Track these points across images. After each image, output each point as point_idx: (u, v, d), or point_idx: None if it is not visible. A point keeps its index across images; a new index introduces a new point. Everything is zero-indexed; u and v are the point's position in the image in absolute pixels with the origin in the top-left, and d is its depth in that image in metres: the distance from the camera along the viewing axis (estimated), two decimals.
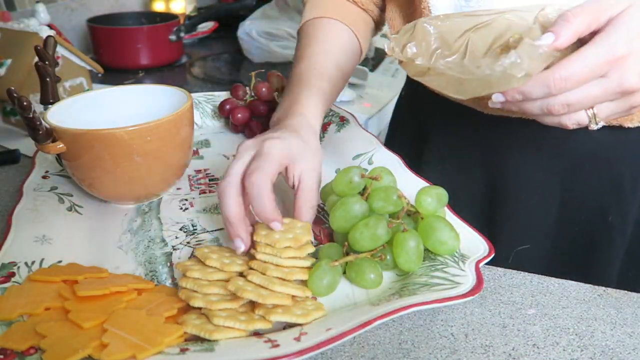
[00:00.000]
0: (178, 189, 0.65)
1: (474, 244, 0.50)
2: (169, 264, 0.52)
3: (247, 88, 0.81)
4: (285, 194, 0.61)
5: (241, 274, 0.46)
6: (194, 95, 0.76)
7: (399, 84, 0.99)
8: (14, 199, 0.61)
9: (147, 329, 0.40)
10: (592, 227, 0.64)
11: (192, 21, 1.44)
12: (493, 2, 0.57)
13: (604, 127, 0.46)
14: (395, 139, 0.84)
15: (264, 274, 0.45)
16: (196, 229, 0.57)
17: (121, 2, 1.55)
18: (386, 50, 0.49)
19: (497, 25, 0.45)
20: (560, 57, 0.42)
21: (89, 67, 0.91)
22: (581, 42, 0.42)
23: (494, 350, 0.43)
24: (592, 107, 0.44)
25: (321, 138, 0.74)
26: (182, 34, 1.36)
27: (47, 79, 0.62)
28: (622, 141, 0.60)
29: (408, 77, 0.83)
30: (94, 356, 0.38)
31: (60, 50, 0.84)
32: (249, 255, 0.49)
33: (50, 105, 0.61)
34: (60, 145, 0.55)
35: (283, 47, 1.34)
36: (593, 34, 0.42)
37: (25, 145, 0.78)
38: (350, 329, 0.39)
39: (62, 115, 0.58)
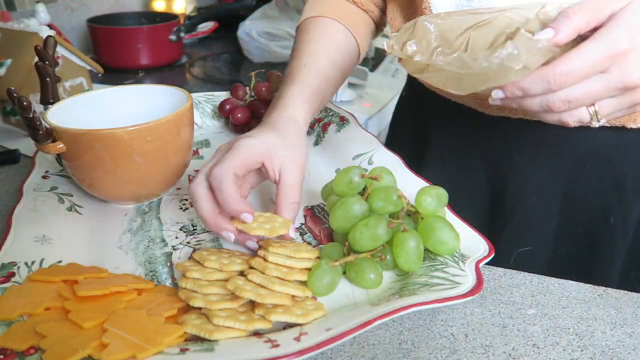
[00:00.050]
0: (178, 189, 0.65)
1: (474, 244, 0.50)
2: (169, 264, 0.52)
3: (247, 88, 0.82)
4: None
5: (241, 274, 0.46)
6: (194, 95, 0.76)
7: (399, 84, 0.99)
8: (14, 199, 0.61)
9: (147, 329, 0.40)
10: (594, 227, 0.63)
11: (192, 21, 1.44)
12: (494, 1, 0.57)
13: (605, 127, 0.46)
14: (395, 139, 0.84)
15: (263, 273, 0.45)
16: (196, 229, 0.57)
17: (121, 2, 1.55)
18: (386, 48, 0.49)
19: (498, 23, 0.44)
20: (560, 54, 0.42)
21: (89, 67, 0.91)
22: (582, 39, 0.42)
23: (494, 350, 0.43)
24: (593, 104, 0.44)
25: (321, 138, 0.74)
26: (182, 34, 1.36)
27: (47, 79, 0.62)
28: (624, 141, 0.60)
29: (408, 77, 0.83)
30: (94, 356, 0.38)
31: (60, 50, 0.84)
32: (251, 253, 0.49)
33: (50, 105, 0.61)
34: (60, 145, 0.55)
35: (283, 47, 1.34)
36: (593, 31, 0.42)
37: (25, 145, 0.78)
38: (350, 329, 0.39)
39: (62, 115, 0.58)
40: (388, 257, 0.49)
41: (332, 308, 0.45)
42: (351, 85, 1.20)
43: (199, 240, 0.55)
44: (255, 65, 1.36)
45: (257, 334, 0.42)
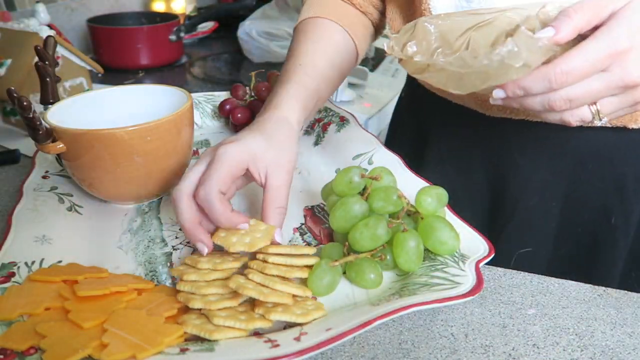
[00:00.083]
0: None
1: (474, 244, 0.50)
2: (169, 264, 0.52)
3: (247, 88, 0.82)
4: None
5: (240, 273, 0.46)
6: (194, 95, 0.76)
7: (399, 84, 0.99)
8: (14, 199, 0.61)
9: (147, 329, 0.40)
10: (595, 227, 0.63)
11: (192, 21, 1.44)
12: (494, 1, 0.57)
13: (607, 127, 0.46)
14: (395, 139, 0.84)
15: (263, 273, 0.45)
16: None
17: (121, 2, 1.55)
18: (386, 49, 0.49)
19: (498, 23, 0.44)
20: (561, 53, 0.42)
21: (89, 67, 0.91)
22: (582, 39, 0.42)
23: (494, 350, 0.43)
24: (595, 103, 0.44)
25: (321, 138, 0.74)
26: (182, 34, 1.36)
27: (47, 79, 0.62)
28: (625, 141, 0.60)
29: (408, 78, 0.83)
30: (94, 356, 0.38)
31: (60, 50, 0.84)
32: (245, 254, 0.49)
33: (50, 105, 0.61)
34: (60, 145, 0.55)
35: (283, 47, 1.34)
36: (594, 30, 0.42)
37: (25, 145, 0.78)
38: (350, 329, 0.39)
39: (62, 115, 0.58)
40: (388, 257, 0.49)
41: (332, 308, 0.45)
42: (351, 85, 1.20)
43: None
44: (255, 65, 1.36)
45: (257, 334, 0.42)
